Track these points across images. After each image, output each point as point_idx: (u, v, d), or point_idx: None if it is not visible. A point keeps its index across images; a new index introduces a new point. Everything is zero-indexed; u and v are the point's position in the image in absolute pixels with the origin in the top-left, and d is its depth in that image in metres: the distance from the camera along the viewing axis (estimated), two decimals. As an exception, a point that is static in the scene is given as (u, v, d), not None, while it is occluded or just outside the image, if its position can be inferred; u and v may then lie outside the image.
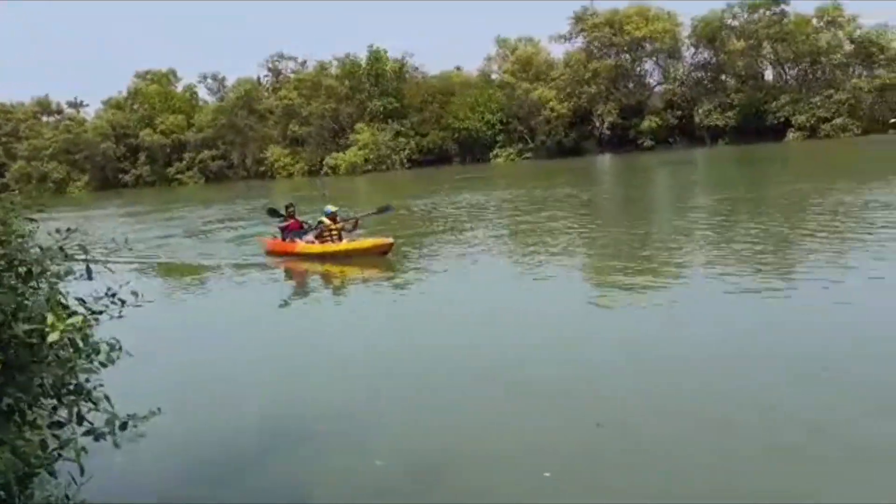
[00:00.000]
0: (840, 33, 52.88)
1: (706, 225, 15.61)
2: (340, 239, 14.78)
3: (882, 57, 51.88)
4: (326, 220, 14.89)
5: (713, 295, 9.21)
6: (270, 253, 15.70)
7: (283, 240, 15.54)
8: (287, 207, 16.05)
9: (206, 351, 8.46)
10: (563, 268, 12.12)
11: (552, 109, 57.64)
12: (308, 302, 11.87)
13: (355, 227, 15.24)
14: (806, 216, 15.40)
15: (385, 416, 5.88)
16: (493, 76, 64.37)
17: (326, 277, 13.62)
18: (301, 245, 14.93)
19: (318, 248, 14.70)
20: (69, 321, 2.45)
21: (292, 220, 15.73)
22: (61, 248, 2.75)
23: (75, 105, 79.02)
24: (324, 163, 62.10)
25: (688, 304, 8.89)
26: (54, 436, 2.76)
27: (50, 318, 2.43)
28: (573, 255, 13.57)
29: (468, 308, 9.49)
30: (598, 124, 59.07)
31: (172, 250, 18.43)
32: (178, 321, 10.46)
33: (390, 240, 13.88)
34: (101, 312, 2.80)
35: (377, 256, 13.67)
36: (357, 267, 13.39)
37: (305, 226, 15.55)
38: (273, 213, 16.43)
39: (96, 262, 2.85)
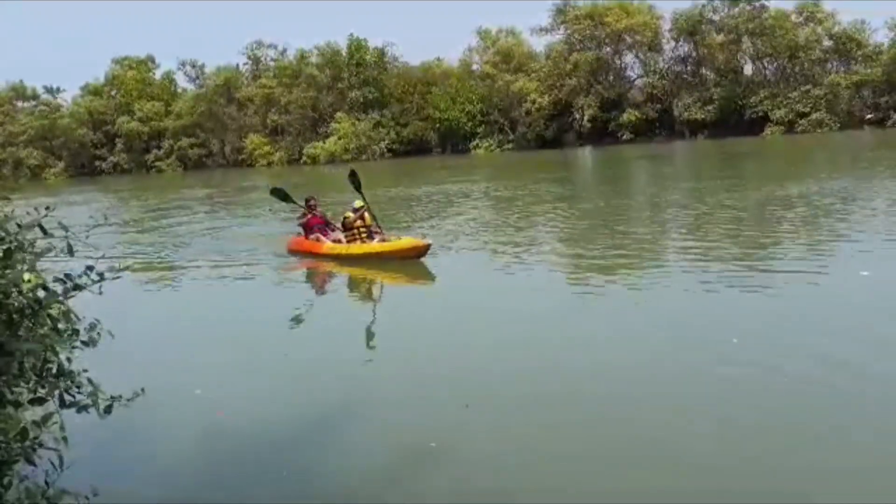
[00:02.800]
0: (819, 29, 53.37)
1: (669, 219, 15.91)
2: (371, 237, 13.07)
3: (859, 53, 52.46)
4: (352, 216, 13.20)
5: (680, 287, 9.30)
6: (293, 252, 14.16)
7: (307, 237, 13.94)
8: (308, 200, 14.40)
9: (200, 344, 8.33)
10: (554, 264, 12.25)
11: (533, 101, 57.69)
12: (313, 303, 11.12)
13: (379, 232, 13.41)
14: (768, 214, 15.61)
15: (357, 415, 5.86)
16: (474, 67, 64.26)
17: (344, 279, 12.53)
18: (327, 245, 13.39)
19: (344, 248, 13.08)
20: (48, 296, 2.38)
21: (313, 215, 14.12)
22: (40, 225, 2.66)
23: (51, 91, 77.68)
24: (303, 152, 61.82)
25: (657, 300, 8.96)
26: (35, 423, 2.69)
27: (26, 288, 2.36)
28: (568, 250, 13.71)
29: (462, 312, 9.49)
30: (578, 117, 59.15)
31: (174, 246, 16.82)
32: (176, 316, 10.17)
33: (427, 241, 12.36)
34: (82, 288, 2.71)
35: (411, 259, 12.18)
36: (386, 271, 11.98)
37: (331, 221, 14.09)
38: (279, 193, 14.50)
39: (77, 239, 2.76)
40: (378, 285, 11.89)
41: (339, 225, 13.62)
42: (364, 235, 13.08)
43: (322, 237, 13.71)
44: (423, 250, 12.16)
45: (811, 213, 14.79)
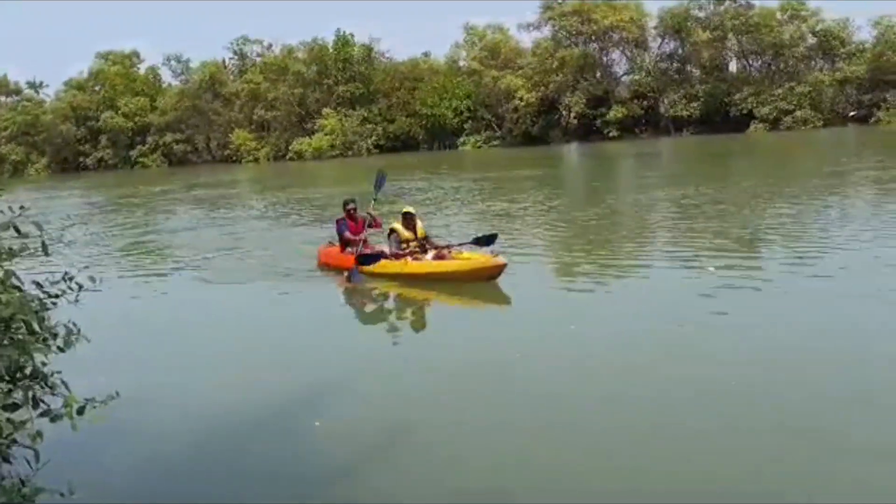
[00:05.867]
0: (803, 26, 53.74)
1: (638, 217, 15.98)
2: (424, 252, 10.61)
3: (843, 50, 52.88)
4: (401, 228, 10.72)
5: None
6: (326, 266, 11.68)
7: (343, 250, 11.45)
8: (346, 205, 11.72)
9: (185, 346, 8.16)
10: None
11: (520, 98, 57.76)
12: (332, 323, 9.28)
13: (447, 249, 10.75)
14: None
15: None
16: (461, 63, 64.32)
17: (379, 298, 10.25)
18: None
19: (396, 265, 10.43)
20: (18, 295, 2.38)
21: (352, 222, 11.54)
22: (14, 226, 2.67)
23: (34, 86, 76.66)
24: (290, 148, 61.67)
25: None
26: (9, 420, 2.70)
27: (4, 297, 2.36)
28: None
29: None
30: (565, 113, 59.30)
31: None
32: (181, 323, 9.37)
33: (502, 260, 9.88)
34: (57, 296, 2.73)
35: (480, 281, 9.82)
36: (440, 291, 9.83)
37: (373, 228, 11.49)
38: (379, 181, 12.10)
39: (52, 240, 2.77)
40: (423, 307, 9.81)
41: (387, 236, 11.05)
42: (416, 250, 10.65)
43: (363, 250, 11.13)
44: (496, 271, 9.81)
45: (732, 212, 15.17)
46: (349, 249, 11.24)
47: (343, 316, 9.85)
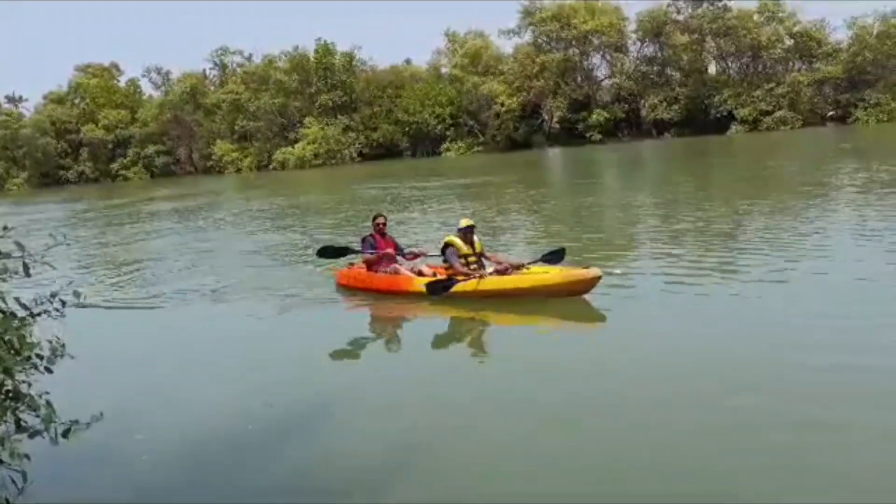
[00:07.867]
0: (780, 28, 54.32)
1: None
2: (482, 268, 9.40)
3: (820, 51, 53.52)
4: (458, 241, 9.47)
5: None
6: (347, 287, 10.29)
7: (376, 269, 10.06)
8: (375, 219, 10.43)
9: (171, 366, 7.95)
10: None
11: (502, 104, 57.96)
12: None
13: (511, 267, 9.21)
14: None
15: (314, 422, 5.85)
16: (443, 70, 64.48)
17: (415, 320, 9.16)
18: (420, 280, 9.47)
19: (470, 283, 9.00)
20: (3, 322, 2.38)
21: (382, 239, 10.29)
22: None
23: (13, 100, 76.70)
24: (273, 158, 61.53)
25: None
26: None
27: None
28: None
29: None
30: (547, 118, 59.59)
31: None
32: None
33: (596, 271, 8.55)
34: (39, 314, 2.72)
35: (567, 297, 8.56)
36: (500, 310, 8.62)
37: (405, 249, 10.47)
38: (327, 253, 10.99)
39: (34, 259, 2.76)
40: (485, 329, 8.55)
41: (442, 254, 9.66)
42: (476, 265, 9.45)
43: (400, 269, 9.94)
44: (589, 284, 8.56)
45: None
46: (384, 269, 9.99)
47: (362, 339, 8.56)
